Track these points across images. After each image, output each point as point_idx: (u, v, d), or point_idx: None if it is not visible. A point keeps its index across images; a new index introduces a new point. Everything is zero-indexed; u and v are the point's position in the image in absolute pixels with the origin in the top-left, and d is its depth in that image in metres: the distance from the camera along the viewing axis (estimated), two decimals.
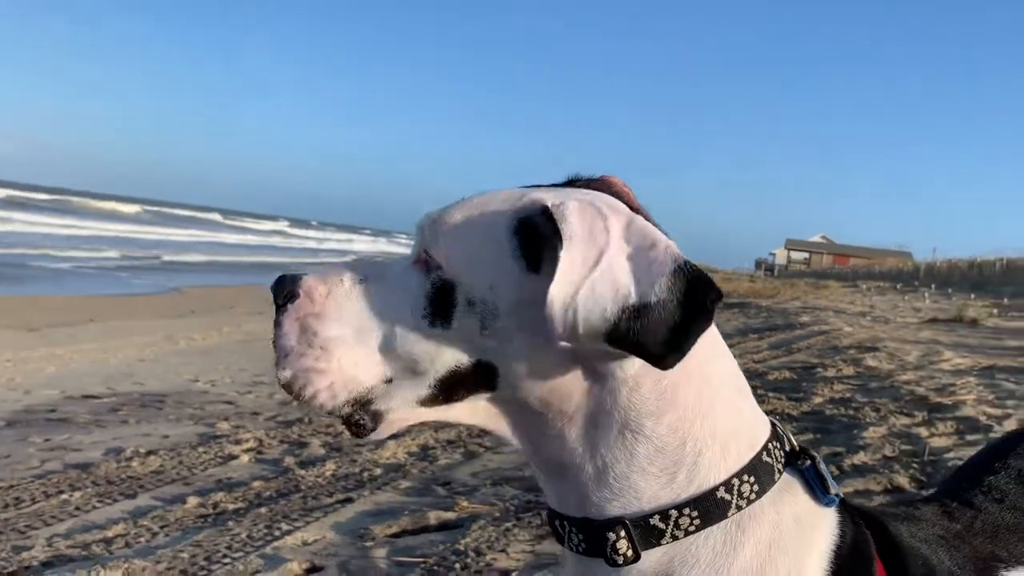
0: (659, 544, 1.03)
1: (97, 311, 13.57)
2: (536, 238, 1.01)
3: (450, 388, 1.06)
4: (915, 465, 4.76)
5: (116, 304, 15.37)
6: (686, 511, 1.02)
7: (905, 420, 6.19)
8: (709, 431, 1.05)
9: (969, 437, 5.60)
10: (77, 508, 4.26)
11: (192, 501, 4.35)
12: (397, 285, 1.09)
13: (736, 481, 1.04)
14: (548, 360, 1.02)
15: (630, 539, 1.02)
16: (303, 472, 4.90)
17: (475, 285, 1.04)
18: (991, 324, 14.16)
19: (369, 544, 3.78)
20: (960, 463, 4.81)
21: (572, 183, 1.21)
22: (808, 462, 1.12)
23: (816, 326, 13.64)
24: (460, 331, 1.04)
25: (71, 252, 26.70)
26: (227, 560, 3.58)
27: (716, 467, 1.04)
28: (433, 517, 4.11)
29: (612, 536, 1.03)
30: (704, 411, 1.05)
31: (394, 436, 5.73)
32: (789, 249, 79.52)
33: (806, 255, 79.95)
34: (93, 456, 5.25)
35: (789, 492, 1.09)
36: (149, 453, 5.29)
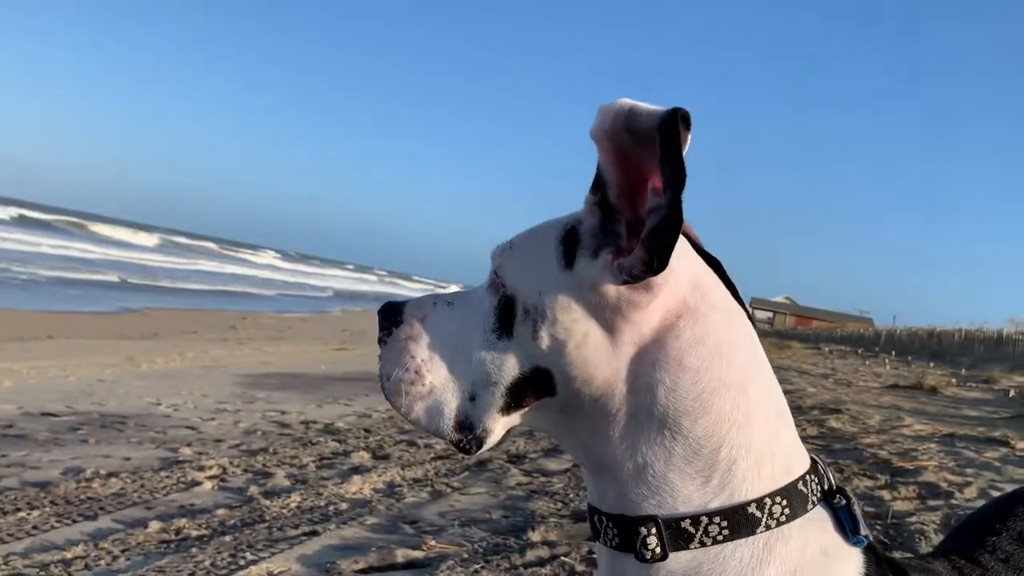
0: (687, 548, 1.05)
1: (55, 327, 13.33)
2: (575, 241, 1.11)
3: (518, 395, 1.13)
4: (878, 527, 4.81)
5: (75, 321, 15.12)
6: (716, 519, 1.05)
7: (868, 482, 6.26)
8: (744, 443, 1.08)
9: (931, 502, 5.67)
10: (35, 527, 4.15)
11: (154, 526, 4.26)
12: (474, 306, 1.19)
13: (768, 501, 1.07)
14: (590, 357, 1.08)
15: (660, 537, 1.05)
16: (268, 502, 4.83)
17: (528, 293, 1.12)
18: (950, 393, 14.39)
19: None
20: (923, 526, 4.88)
21: None
22: (843, 501, 1.14)
23: (780, 385, 13.75)
24: (519, 340, 1.12)
25: (32, 268, 26.23)
26: None
27: (750, 481, 1.07)
28: (400, 555, 4.06)
29: (643, 531, 1.06)
30: (740, 422, 1.08)
31: (359, 472, 5.69)
32: (754, 308, 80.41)
33: (770, 315, 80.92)
34: (52, 475, 5.13)
35: (819, 524, 1.11)
36: (110, 475, 5.18)
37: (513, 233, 1.23)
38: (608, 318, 1.08)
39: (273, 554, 3.98)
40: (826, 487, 1.15)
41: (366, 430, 7.39)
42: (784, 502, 1.08)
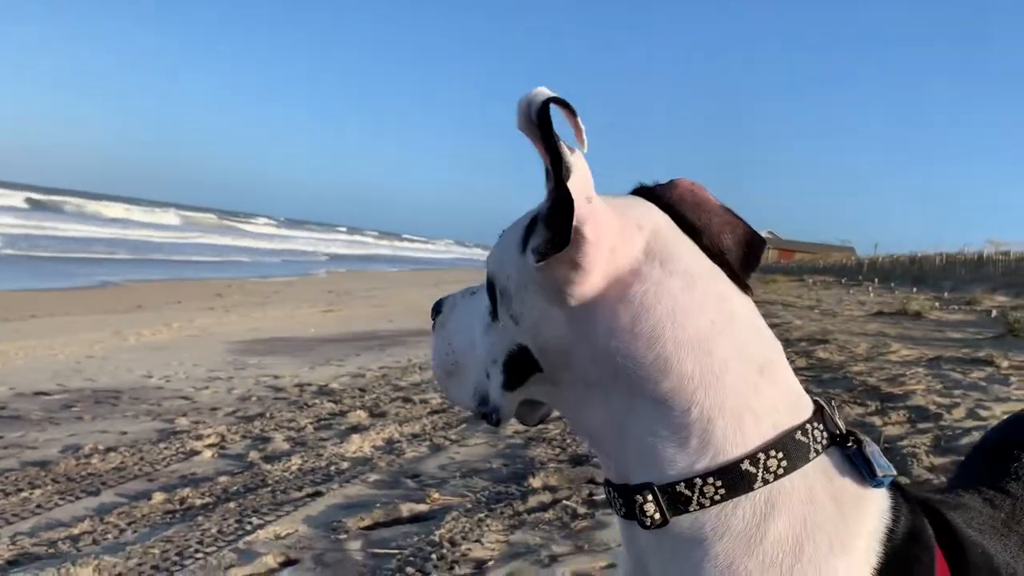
0: (687, 511, 1.05)
1: (36, 306, 13.22)
2: (533, 227, 1.12)
3: (513, 372, 1.19)
4: None
5: (56, 299, 14.96)
6: (710, 479, 1.05)
7: (859, 410, 6.36)
8: (716, 402, 1.07)
9: (920, 425, 5.77)
10: (39, 506, 4.16)
11: (158, 497, 4.29)
12: (481, 294, 1.31)
13: (762, 455, 1.05)
14: (553, 332, 1.13)
15: (657, 503, 1.06)
16: (269, 467, 4.86)
17: (500, 277, 1.20)
18: (934, 317, 14.57)
19: (343, 537, 3.76)
20: (915, 449, 4.97)
21: (637, 191, 1.29)
22: (855, 446, 1.12)
23: (767, 319, 13.87)
24: (504, 320, 1.20)
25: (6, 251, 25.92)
26: (199, 555, 3.53)
27: (732, 439, 1.06)
28: (405, 509, 4.11)
29: (639, 499, 1.07)
30: (707, 382, 1.07)
31: (357, 431, 5.72)
32: None
33: None
34: (50, 453, 5.13)
35: (825, 472, 1.09)
36: (108, 450, 5.19)
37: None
38: (554, 294, 1.11)
39: (279, 517, 4.01)
40: (835, 432, 1.13)
41: (361, 389, 7.42)
42: (779, 455, 1.06)
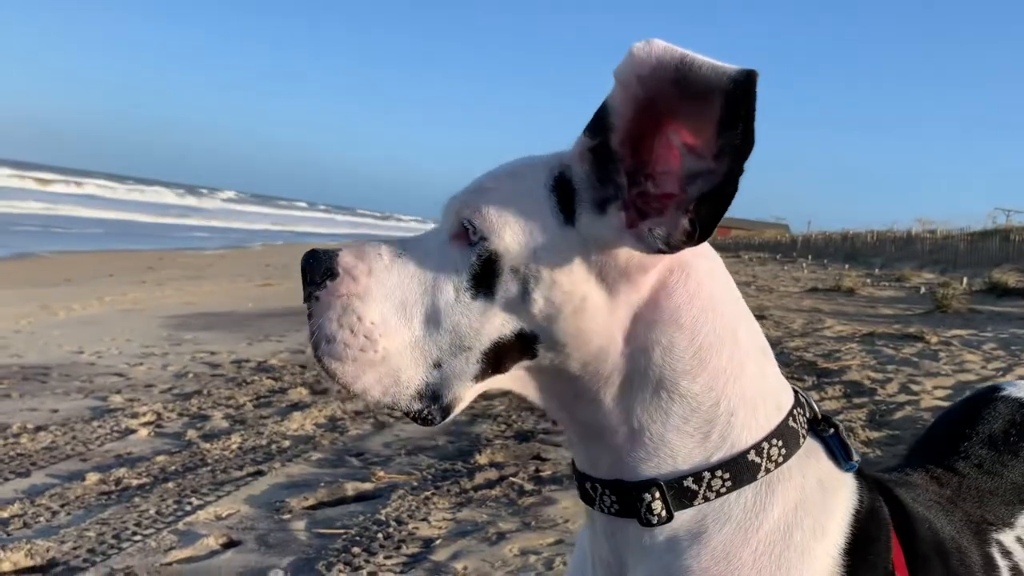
0: (691, 505, 1.04)
1: None
2: (570, 191, 1.03)
3: (496, 361, 1.05)
4: None
5: None
6: (718, 473, 1.03)
7: (796, 384, 6.42)
8: (740, 393, 1.06)
9: (856, 400, 5.92)
10: None
11: (92, 478, 4.15)
12: (436, 259, 1.06)
13: (766, 444, 1.06)
14: (587, 322, 1.02)
15: (664, 500, 1.03)
16: (208, 445, 4.74)
17: (519, 251, 1.02)
18: (866, 293, 14.94)
19: (286, 517, 3.70)
20: (851, 423, 5.08)
21: None
22: (831, 430, 1.14)
23: None
24: (503, 301, 1.03)
25: None
26: (137, 537, 3.43)
27: (748, 429, 1.05)
28: (350, 488, 4.06)
29: (648, 497, 1.04)
30: (736, 373, 1.06)
31: (299, 408, 5.62)
32: None
33: None
34: None
35: (813, 457, 1.10)
36: (38, 429, 5.01)
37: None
38: (611, 281, 1.02)
39: (219, 497, 3.92)
40: (810, 416, 1.14)
41: (301, 366, 7.30)
42: (779, 443, 1.07)
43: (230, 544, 3.44)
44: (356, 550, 3.32)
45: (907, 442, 4.76)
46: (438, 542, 3.40)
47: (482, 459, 4.48)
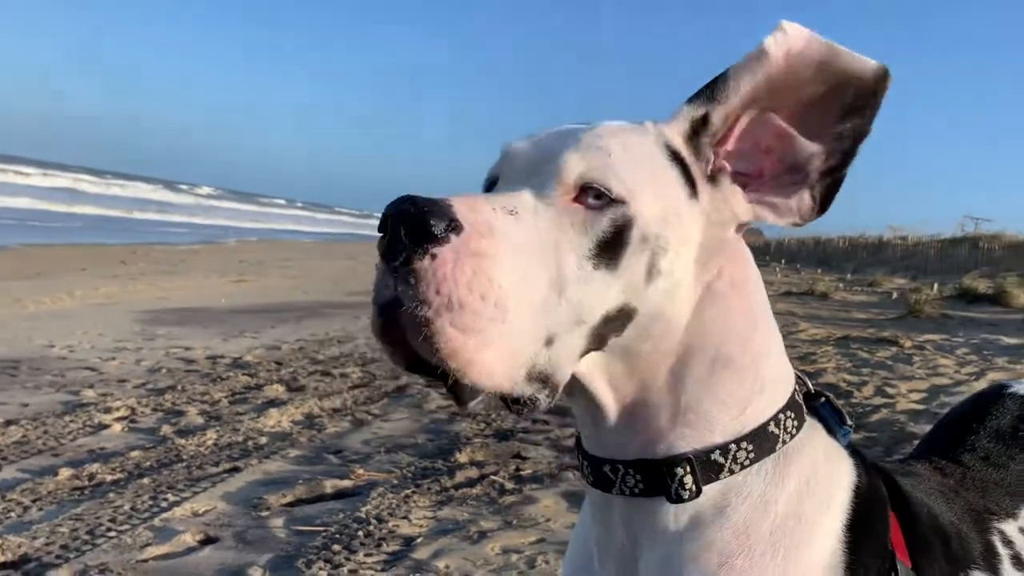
0: (718, 478, 1.03)
1: None
2: (684, 163, 1.03)
3: (600, 337, 0.99)
4: None
5: None
6: (744, 444, 1.04)
7: None
8: (771, 368, 1.08)
9: None
10: None
11: (64, 473, 4.07)
12: (551, 222, 0.96)
13: (782, 417, 1.07)
14: (679, 299, 1.02)
15: (694, 474, 1.02)
16: (183, 441, 4.67)
17: (652, 220, 0.98)
18: (839, 297, 15.07)
19: (265, 514, 3.65)
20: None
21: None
22: (823, 399, 1.16)
23: None
24: (626, 273, 0.97)
25: None
26: (112, 534, 3.37)
27: (771, 402, 1.07)
28: (329, 486, 4.01)
29: (680, 471, 1.02)
30: (767, 350, 1.08)
31: (275, 405, 5.56)
32: None
33: None
34: None
35: (817, 430, 1.12)
36: (8, 423, 4.91)
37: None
38: (711, 255, 1.04)
39: (196, 493, 3.87)
40: (804, 391, 1.16)
41: (277, 362, 7.23)
42: (792, 415, 1.08)
43: (207, 541, 3.38)
44: (336, 548, 3.28)
45: (884, 444, 4.80)
46: (419, 540, 3.37)
47: (462, 457, 4.45)
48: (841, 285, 17.72)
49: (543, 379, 0.93)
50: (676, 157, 1.03)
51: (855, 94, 0.98)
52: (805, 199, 1.03)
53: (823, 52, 0.97)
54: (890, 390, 6.32)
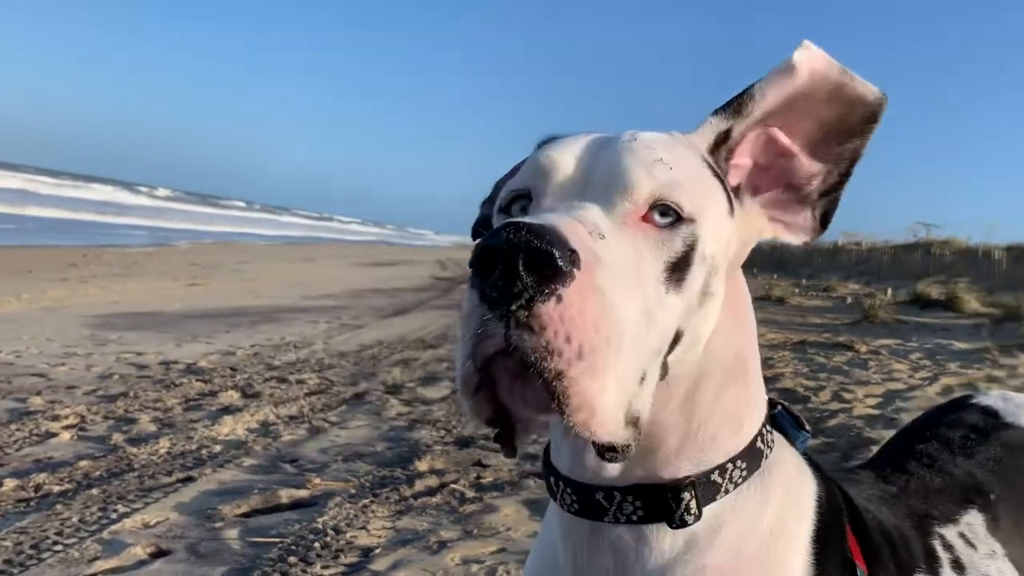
0: (715, 499, 1.02)
1: None
2: (722, 179, 1.03)
3: (666, 367, 0.93)
4: None
5: None
6: (738, 463, 1.03)
7: None
8: (759, 383, 1.09)
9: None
10: None
11: (9, 484, 3.93)
12: (629, 244, 0.89)
13: (765, 432, 1.08)
14: (712, 318, 0.99)
15: (697, 498, 1.00)
16: (135, 450, 4.55)
17: (710, 238, 0.96)
18: (795, 302, 15.24)
19: (218, 525, 3.55)
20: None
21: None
22: (779, 407, 1.17)
23: None
24: (688, 293, 0.92)
25: None
26: (59, 547, 3.25)
27: (760, 417, 1.08)
28: (285, 495, 3.92)
29: (686, 496, 0.99)
30: (757, 362, 1.10)
31: (230, 412, 5.45)
32: None
33: None
34: None
35: (782, 441, 1.13)
36: None
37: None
38: (732, 271, 1.04)
39: (147, 504, 3.76)
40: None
41: (232, 368, 7.09)
42: (769, 427, 1.09)
43: (159, 554, 3.28)
44: (292, 559, 3.20)
45: (841, 449, 4.83)
46: (377, 551, 3.30)
47: (422, 466, 4.39)
48: (797, 290, 17.92)
49: (635, 422, 0.85)
50: (714, 171, 1.02)
51: (859, 118, 1.01)
52: (808, 217, 1.05)
53: (838, 75, 1.00)
54: (847, 395, 6.38)
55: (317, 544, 3.35)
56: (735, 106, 1.02)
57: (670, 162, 0.95)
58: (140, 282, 14.37)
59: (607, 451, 0.86)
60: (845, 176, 1.04)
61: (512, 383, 0.79)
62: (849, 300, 15.50)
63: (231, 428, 5.08)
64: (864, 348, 8.86)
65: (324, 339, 9.02)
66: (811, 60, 0.99)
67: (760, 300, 15.56)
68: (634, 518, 1.00)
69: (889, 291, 15.42)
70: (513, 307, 0.76)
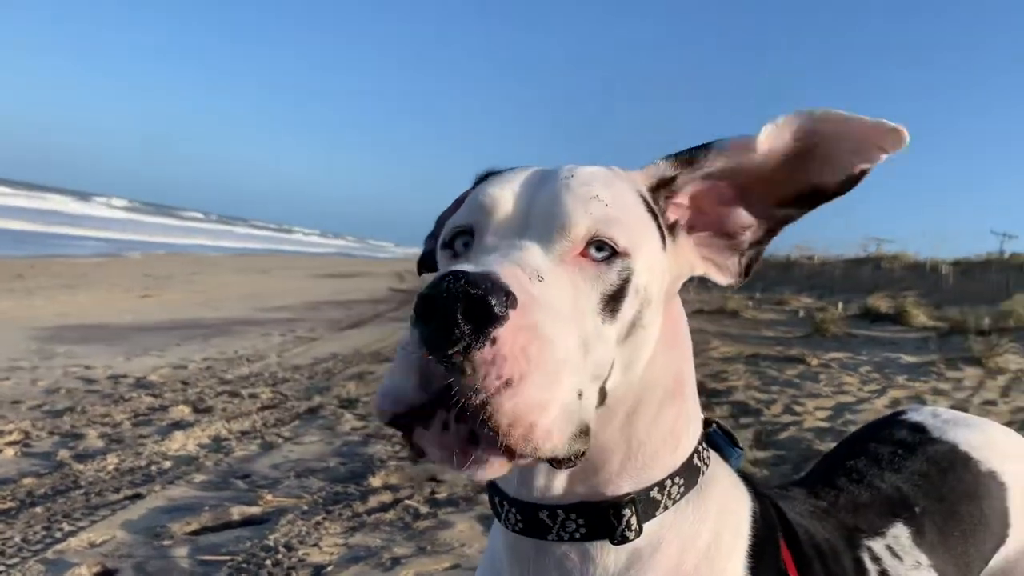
0: (655, 515, 1.04)
1: None
2: (656, 216, 1.06)
3: (603, 392, 0.97)
4: None
5: None
6: (676, 479, 1.06)
7: None
8: (695, 401, 1.12)
9: (743, 420, 6.07)
10: None
11: None
12: (567, 280, 0.93)
13: (700, 449, 1.11)
14: (647, 347, 1.02)
15: (637, 515, 1.03)
16: (81, 466, 4.46)
17: (643, 271, 0.99)
18: (749, 316, 15.42)
19: (167, 543, 3.49)
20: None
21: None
22: (713, 425, 1.20)
23: None
24: (621, 325, 0.97)
25: None
26: (0, 568, 3.18)
27: (695, 434, 1.11)
28: (236, 512, 3.87)
29: (627, 512, 1.02)
30: (692, 381, 1.12)
31: (180, 427, 5.37)
32: None
33: None
34: None
35: (717, 459, 1.16)
36: None
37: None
38: (668, 300, 1.07)
39: (94, 522, 3.68)
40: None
41: (183, 382, 6.99)
42: (705, 446, 1.12)
43: (105, 573, 3.21)
44: None
45: (792, 462, 4.89)
46: (330, 569, 3.27)
47: (376, 481, 4.36)
48: (751, 303, 18.14)
49: (586, 431, 0.89)
50: (649, 207, 1.05)
51: (806, 199, 1.07)
52: (735, 263, 1.10)
53: (795, 158, 1.05)
54: (798, 408, 6.48)
55: (268, 562, 3.31)
56: (687, 158, 1.07)
57: (606, 199, 0.98)
58: (90, 294, 14.10)
59: (566, 461, 0.89)
60: (774, 233, 1.09)
61: (442, 428, 0.83)
62: (801, 313, 15.74)
63: (181, 444, 5.01)
64: (815, 361, 9.00)
65: (278, 352, 8.93)
66: (774, 138, 1.03)
67: (715, 313, 15.75)
68: (577, 535, 1.03)
69: (840, 305, 15.69)
70: (450, 352, 0.79)
